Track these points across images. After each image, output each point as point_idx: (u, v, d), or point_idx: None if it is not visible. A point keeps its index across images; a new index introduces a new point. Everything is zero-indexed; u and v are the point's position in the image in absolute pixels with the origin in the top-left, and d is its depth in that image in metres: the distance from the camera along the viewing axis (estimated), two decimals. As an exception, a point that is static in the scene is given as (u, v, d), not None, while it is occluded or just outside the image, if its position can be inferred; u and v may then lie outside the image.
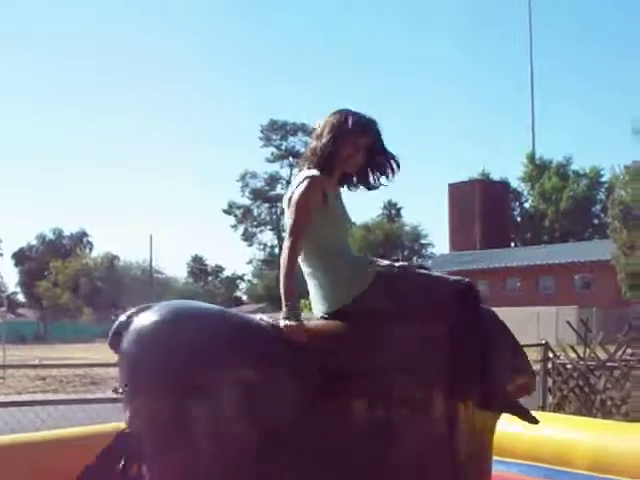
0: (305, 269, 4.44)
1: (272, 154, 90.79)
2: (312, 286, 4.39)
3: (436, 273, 4.58)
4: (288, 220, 4.36)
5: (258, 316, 4.25)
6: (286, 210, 4.40)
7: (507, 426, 6.06)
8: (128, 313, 4.08)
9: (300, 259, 4.37)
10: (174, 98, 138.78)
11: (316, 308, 4.38)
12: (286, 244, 4.30)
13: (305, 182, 4.36)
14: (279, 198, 63.05)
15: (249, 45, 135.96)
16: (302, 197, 4.32)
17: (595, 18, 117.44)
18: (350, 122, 4.44)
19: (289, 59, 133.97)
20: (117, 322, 4.08)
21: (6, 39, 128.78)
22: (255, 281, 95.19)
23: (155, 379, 3.84)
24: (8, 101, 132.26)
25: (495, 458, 5.87)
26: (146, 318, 3.99)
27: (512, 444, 5.86)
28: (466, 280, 4.41)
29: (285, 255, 4.26)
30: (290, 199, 4.40)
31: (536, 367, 11.89)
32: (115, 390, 4.02)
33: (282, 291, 4.20)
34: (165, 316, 3.98)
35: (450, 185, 75.45)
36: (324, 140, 4.43)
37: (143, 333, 3.93)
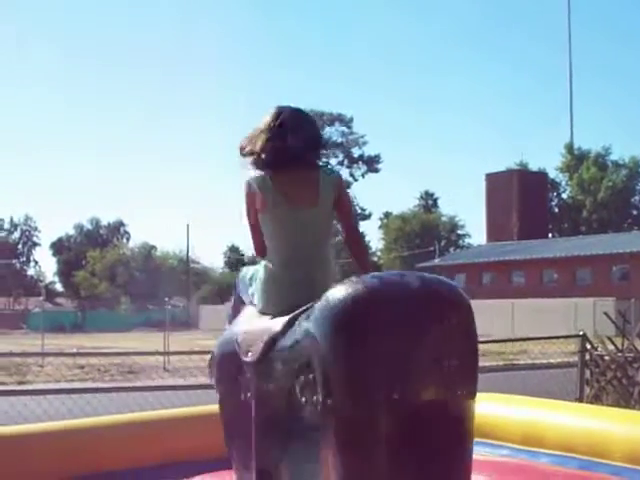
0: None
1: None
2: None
3: None
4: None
5: None
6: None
7: (541, 416, 6.06)
8: None
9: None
10: (211, 87, 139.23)
11: None
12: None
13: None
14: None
15: (288, 34, 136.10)
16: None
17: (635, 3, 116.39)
18: None
19: (325, 50, 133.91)
20: None
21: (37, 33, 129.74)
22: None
23: None
24: (46, 92, 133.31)
25: (528, 448, 5.89)
26: None
27: (545, 435, 5.85)
28: None
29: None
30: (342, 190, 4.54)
31: (574, 358, 11.86)
32: None
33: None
34: None
35: (487, 175, 75.17)
36: None
37: None
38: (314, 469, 3.73)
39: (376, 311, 3.56)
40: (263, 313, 4.33)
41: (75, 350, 25.12)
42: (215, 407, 6.49)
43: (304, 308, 3.90)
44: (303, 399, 3.77)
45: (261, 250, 4.53)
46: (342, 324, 3.60)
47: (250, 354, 4.19)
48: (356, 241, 4.59)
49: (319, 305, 3.73)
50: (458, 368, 3.59)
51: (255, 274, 4.55)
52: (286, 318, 4.02)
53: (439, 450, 3.62)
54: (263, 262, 4.47)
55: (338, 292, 3.68)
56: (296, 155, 4.39)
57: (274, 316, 4.17)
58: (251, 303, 4.52)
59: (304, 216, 4.35)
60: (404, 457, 3.54)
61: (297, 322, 3.88)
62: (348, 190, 4.69)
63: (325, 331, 3.64)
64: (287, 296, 4.21)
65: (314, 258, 4.34)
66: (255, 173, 4.45)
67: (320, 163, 4.57)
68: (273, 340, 4.04)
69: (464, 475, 3.69)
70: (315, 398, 3.66)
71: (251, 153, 4.45)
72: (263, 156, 4.41)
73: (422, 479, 3.59)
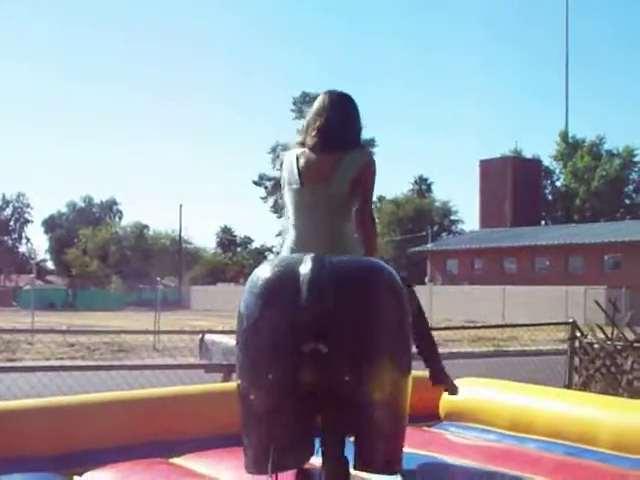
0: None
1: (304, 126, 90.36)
2: None
3: None
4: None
5: None
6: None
7: (530, 402, 6.08)
8: None
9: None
10: (206, 69, 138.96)
11: None
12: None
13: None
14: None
15: (282, 16, 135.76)
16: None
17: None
18: None
19: (322, 31, 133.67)
20: None
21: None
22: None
23: None
24: (40, 69, 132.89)
25: (516, 434, 5.92)
26: None
27: (533, 420, 5.87)
28: None
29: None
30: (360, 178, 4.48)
31: (563, 346, 11.89)
32: None
33: None
34: None
35: (481, 161, 75.12)
36: None
37: None
38: None
39: (263, 294, 3.58)
40: None
41: (65, 328, 25.09)
42: (204, 387, 6.53)
43: None
44: None
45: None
46: (239, 305, 3.68)
47: None
48: (363, 225, 4.56)
49: None
50: (343, 354, 3.50)
51: None
52: None
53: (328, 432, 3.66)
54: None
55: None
56: (324, 137, 4.48)
57: None
58: None
59: (314, 195, 4.40)
60: (285, 434, 3.58)
61: None
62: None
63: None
64: None
65: (324, 238, 4.35)
66: (292, 150, 4.63)
67: (353, 145, 4.54)
68: None
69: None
70: None
71: (305, 131, 4.63)
72: (305, 135, 4.59)
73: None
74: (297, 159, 4.49)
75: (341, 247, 4.33)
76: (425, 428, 6.17)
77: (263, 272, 3.64)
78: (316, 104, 4.67)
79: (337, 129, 4.50)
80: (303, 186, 4.42)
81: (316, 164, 4.43)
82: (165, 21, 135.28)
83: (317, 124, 4.54)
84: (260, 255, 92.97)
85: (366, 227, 4.59)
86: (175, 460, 5.14)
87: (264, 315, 3.54)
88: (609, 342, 10.43)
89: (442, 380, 5.00)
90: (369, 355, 3.55)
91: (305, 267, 3.55)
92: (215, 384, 6.55)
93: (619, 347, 10.30)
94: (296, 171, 4.45)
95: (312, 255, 3.62)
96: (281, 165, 4.59)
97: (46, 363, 15.19)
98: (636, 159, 79.80)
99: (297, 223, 4.44)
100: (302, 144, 4.57)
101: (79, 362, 17.00)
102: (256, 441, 3.61)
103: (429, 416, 6.37)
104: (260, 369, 3.52)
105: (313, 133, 4.52)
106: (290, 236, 4.46)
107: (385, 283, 3.70)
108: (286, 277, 3.57)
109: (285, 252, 4.41)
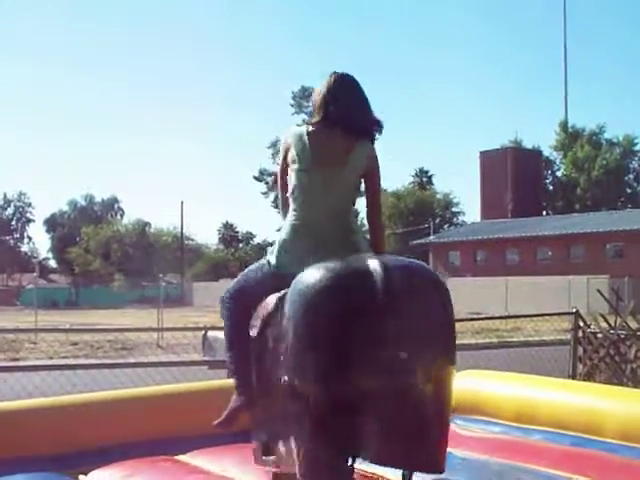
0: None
1: (303, 121, 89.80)
2: None
3: None
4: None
5: None
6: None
7: (534, 394, 6.07)
8: None
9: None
10: (206, 65, 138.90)
11: None
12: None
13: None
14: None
15: (280, 11, 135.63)
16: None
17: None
18: None
19: (320, 25, 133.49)
20: None
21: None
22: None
23: None
24: (41, 67, 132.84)
25: (521, 425, 5.91)
26: None
27: (538, 412, 5.86)
28: None
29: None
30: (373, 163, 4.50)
31: (567, 336, 11.87)
32: None
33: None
34: None
35: (482, 153, 75.05)
36: None
37: None
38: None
39: (329, 300, 3.52)
40: (276, 269, 4.31)
41: (68, 326, 25.08)
42: (209, 383, 6.51)
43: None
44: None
45: (284, 207, 4.55)
46: (298, 310, 3.60)
47: (254, 329, 4.20)
48: (374, 219, 4.57)
49: (291, 286, 3.71)
50: (410, 359, 3.45)
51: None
52: (278, 295, 4.00)
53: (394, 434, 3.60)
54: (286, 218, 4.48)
55: (306, 276, 3.65)
56: (341, 119, 4.38)
57: (283, 275, 4.07)
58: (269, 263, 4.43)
59: (327, 176, 4.33)
60: (348, 441, 3.52)
61: (284, 300, 3.85)
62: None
63: (289, 315, 3.66)
64: (298, 254, 4.18)
65: (334, 221, 4.33)
66: (296, 127, 4.53)
67: (367, 134, 4.50)
68: (269, 316, 4.04)
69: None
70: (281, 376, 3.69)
71: (313, 111, 4.52)
72: (315, 115, 4.48)
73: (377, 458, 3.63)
74: (308, 137, 4.40)
75: (350, 233, 4.36)
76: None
77: (322, 279, 3.56)
78: (332, 85, 4.49)
79: (353, 115, 4.42)
80: (315, 166, 4.33)
81: (331, 147, 4.36)
82: (164, 19, 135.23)
83: (333, 106, 4.42)
84: (262, 250, 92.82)
85: (379, 217, 4.62)
86: (181, 457, 5.14)
87: (334, 322, 3.48)
88: (612, 331, 10.42)
89: None
90: (437, 357, 3.58)
91: (376, 271, 3.52)
92: (219, 380, 6.54)
93: (623, 336, 10.28)
94: (308, 150, 4.36)
95: (374, 258, 3.60)
96: (285, 139, 4.51)
97: (49, 362, 15.18)
98: (636, 148, 79.76)
99: (304, 202, 4.36)
100: (312, 123, 4.47)
101: (83, 360, 17.00)
102: (324, 447, 3.56)
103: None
104: (331, 376, 3.46)
105: (330, 115, 4.41)
106: (292, 212, 4.39)
107: (441, 284, 3.76)
108: (358, 283, 3.53)
109: (287, 228, 4.36)
